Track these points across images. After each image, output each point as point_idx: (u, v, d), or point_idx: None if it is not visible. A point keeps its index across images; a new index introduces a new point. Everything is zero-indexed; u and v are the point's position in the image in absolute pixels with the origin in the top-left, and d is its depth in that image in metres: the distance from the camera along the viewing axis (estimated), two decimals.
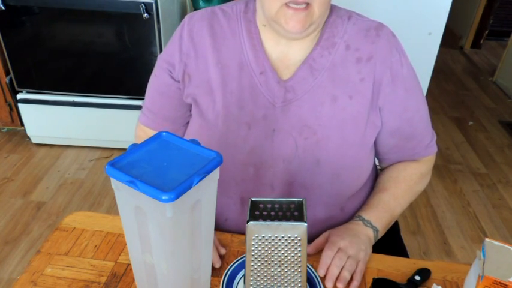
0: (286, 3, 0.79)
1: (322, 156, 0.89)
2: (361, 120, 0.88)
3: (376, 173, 1.06)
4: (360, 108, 0.88)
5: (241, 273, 0.80)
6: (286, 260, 0.72)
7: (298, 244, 0.70)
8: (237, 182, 0.93)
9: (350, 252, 0.82)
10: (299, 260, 0.72)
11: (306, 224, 0.69)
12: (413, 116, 0.93)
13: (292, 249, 0.71)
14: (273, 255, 0.72)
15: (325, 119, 0.88)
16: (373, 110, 0.89)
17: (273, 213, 0.74)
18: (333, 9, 0.90)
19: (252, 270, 0.73)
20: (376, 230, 0.90)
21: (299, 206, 0.73)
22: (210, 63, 0.89)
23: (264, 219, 0.72)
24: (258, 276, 0.73)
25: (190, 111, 0.96)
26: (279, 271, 0.73)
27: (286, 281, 0.74)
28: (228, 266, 0.82)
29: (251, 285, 0.74)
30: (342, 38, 0.88)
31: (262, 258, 0.72)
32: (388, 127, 0.92)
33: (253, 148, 0.89)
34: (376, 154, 1.00)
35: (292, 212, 0.74)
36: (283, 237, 0.70)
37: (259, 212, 0.73)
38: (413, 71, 0.92)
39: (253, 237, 0.70)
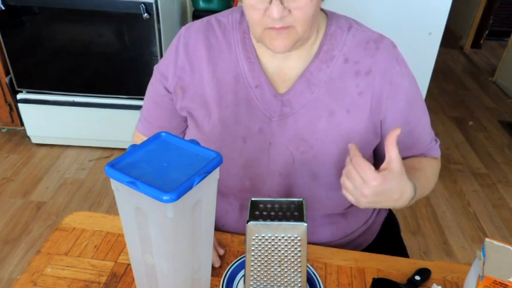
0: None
1: (319, 170, 0.88)
2: (359, 134, 0.86)
3: None
4: (358, 122, 0.86)
5: (241, 273, 0.80)
6: (286, 260, 0.72)
7: (298, 244, 0.70)
8: (235, 193, 0.92)
9: (367, 192, 0.71)
10: (299, 260, 0.72)
11: (306, 224, 0.69)
12: (416, 127, 0.90)
13: (292, 249, 0.71)
14: (273, 255, 0.72)
15: (322, 133, 0.86)
16: (372, 123, 0.87)
17: (273, 213, 0.74)
18: (332, 18, 0.88)
19: (252, 270, 0.73)
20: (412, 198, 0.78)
21: (299, 206, 0.73)
22: (205, 77, 0.88)
23: (264, 219, 0.72)
24: (258, 276, 0.73)
25: (186, 121, 0.96)
26: (279, 271, 0.73)
27: (286, 281, 0.74)
28: (228, 266, 0.82)
29: (251, 285, 0.74)
30: (341, 51, 0.85)
31: (262, 258, 0.72)
32: None
33: (249, 161, 0.88)
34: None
35: (292, 212, 0.74)
36: (283, 237, 0.70)
37: (259, 212, 0.73)
38: (414, 80, 0.90)
39: (253, 237, 0.70)
